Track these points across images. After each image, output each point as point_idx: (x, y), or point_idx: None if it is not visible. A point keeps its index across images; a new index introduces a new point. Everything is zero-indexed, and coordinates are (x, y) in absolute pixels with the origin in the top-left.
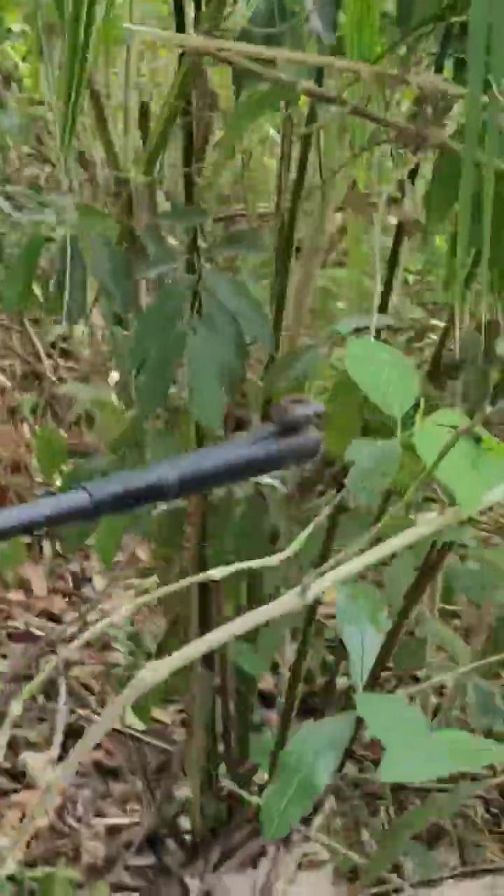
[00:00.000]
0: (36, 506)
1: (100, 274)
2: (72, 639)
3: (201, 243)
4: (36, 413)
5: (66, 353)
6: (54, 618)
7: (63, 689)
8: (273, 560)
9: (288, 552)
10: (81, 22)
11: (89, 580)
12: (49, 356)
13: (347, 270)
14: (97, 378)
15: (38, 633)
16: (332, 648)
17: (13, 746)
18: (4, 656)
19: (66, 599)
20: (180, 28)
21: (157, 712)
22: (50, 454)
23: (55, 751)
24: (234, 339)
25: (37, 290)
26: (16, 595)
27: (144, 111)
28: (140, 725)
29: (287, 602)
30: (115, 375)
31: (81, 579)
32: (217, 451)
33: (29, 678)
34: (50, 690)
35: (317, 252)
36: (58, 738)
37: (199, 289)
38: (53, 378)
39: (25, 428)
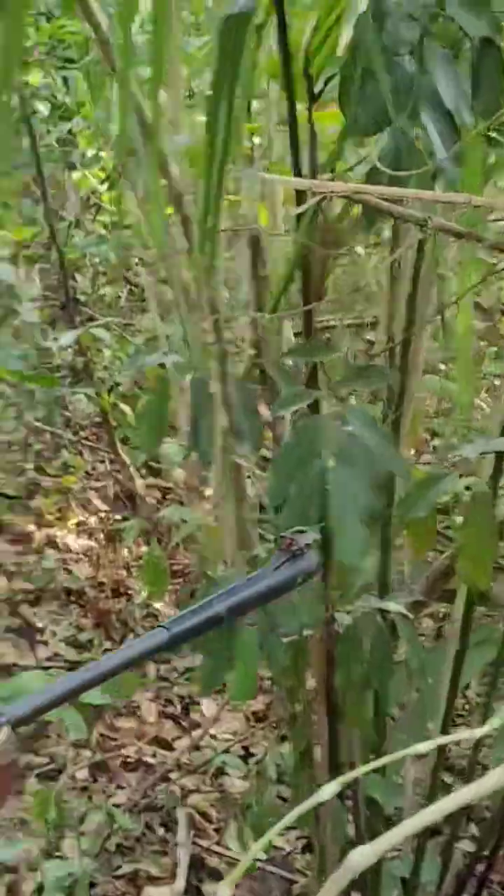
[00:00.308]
0: (126, 649)
1: (232, 412)
2: (185, 766)
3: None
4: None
5: (155, 472)
6: (165, 744)
7: (183, 821)
8: (474, 733)
9: (486, 728)
10: (215, 171)
11: (197, 703)
12: (141, 476)
13: (457, 384)
14: (193, 499)
15: (151, 761)
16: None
17: (135, 881)
18: (121, 787)
19: (176, 724)
20: (296, 166)
21: (276, 839)
22: (155, 576)
23: (180, 884)
24: (372, 474)
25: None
26: (126, 722)
27: (255, 243)
28: (261, 854)
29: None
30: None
31: (189, 703)
32: (250, 583)
33: (148, 808)
34: (167, 821)
35: (417, 370)
36: (182, 871)
37: (334, 425)
38: (149, 499)
39: (125, 551)
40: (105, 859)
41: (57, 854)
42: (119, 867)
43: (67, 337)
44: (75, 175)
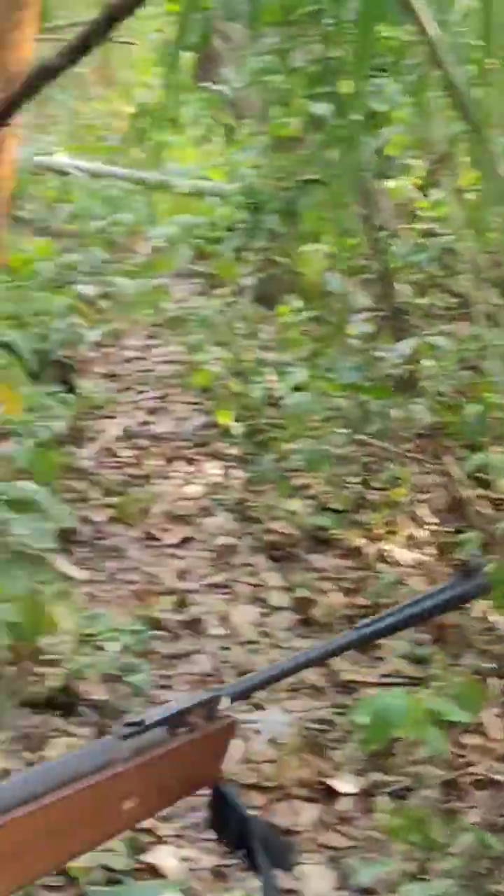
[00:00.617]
0: (326, 643)
1: None
2: None
3: None
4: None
5: (484, 483)
6: None
7: None
8: None
9: None
10: None
11: None
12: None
13: None
14: None
15: (500, 779)
16: None
17: None
18: (472, 807)
19: None
20: None
21: None
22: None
23: None
24: None
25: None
26: (472, 739)
27: None
28: None
29: None
30: None
31: None
32: (439, 593)
33: (501, 828)
34: None
35: None
36: None
37: None
38: (479, 509)
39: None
40: (473, 881)
41: (420, 876)
42: (480, 888)
43: (403, 346)
44: (390, 183)
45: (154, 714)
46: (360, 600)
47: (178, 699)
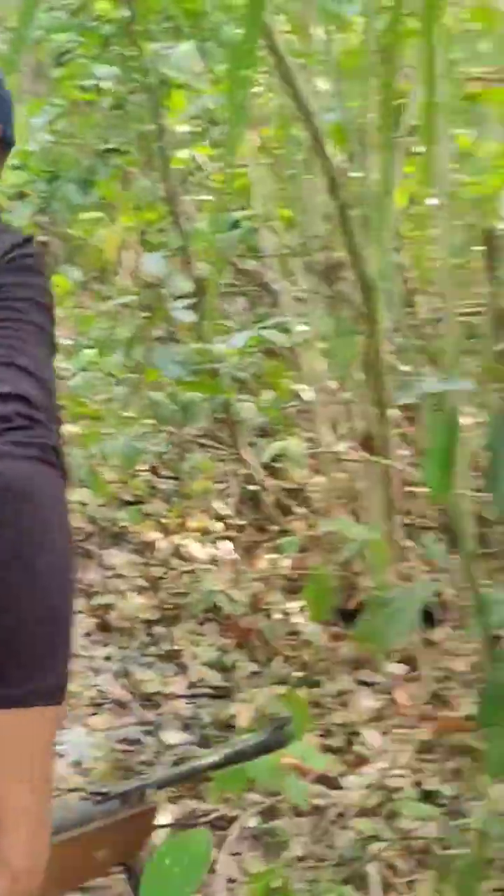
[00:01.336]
0: None
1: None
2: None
3: None
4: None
5: (276, 472)
6: (331, 782)
7: (376, 879)
8: None
9: None
10: None
11: (358, 734)
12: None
13: None
14: (337, 510)
15: (320, 802)
16: None
17: None
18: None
19: (338, 757)
20: None
21: None
22: (319, 594)
23: None
24: None
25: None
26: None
27: (490, 240)
28: None
29: None
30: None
31: (351, 734)
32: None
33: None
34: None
35: None
36: None
37: None
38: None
39: (261, 563)
40: None
41: None
42: None
43: (238, 338)
44: (181, 153)
45: (115, 789)
46: (157, 600)
47: (124, 784)
